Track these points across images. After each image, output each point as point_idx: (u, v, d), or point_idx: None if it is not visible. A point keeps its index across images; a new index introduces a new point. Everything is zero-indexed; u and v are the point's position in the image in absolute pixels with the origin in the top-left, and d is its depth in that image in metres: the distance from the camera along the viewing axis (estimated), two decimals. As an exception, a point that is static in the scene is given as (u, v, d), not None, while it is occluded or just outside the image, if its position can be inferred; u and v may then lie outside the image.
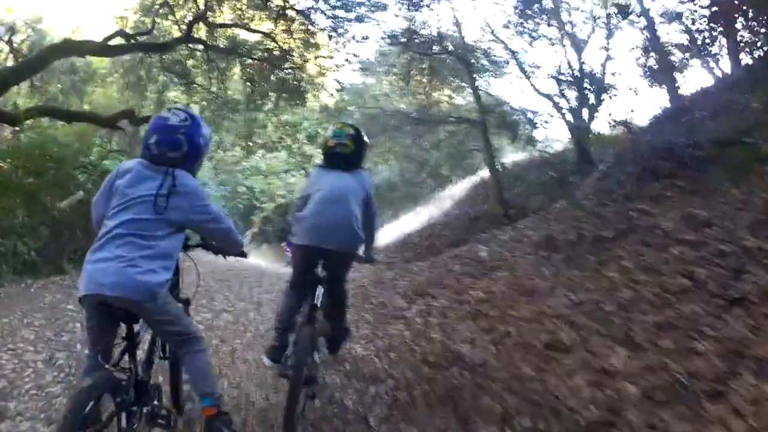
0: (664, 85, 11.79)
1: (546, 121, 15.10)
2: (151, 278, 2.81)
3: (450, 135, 17.95)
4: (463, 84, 16.79)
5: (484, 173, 18.69)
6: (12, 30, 16.26)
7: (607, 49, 14.66)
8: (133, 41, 14.83)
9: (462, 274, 7.86)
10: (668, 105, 11.37)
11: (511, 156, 18.47)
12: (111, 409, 2.84)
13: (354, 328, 6.17)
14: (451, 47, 15.15)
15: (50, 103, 15.47)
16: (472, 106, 17.10)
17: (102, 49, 13.94)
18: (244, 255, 3.64)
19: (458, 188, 19.60)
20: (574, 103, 14.19)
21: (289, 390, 3.58)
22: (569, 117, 14.27)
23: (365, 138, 4.76)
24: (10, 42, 15.91)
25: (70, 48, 13.53)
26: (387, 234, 18.03)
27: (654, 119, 11.26)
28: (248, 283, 10.97)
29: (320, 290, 4.38)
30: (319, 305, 4.30)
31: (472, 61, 15.46)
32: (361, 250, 4.70)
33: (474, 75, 15.16)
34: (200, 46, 15.78)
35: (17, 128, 13.21)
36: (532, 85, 14.69)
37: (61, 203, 13.94)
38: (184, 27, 14.81)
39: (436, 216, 17.73)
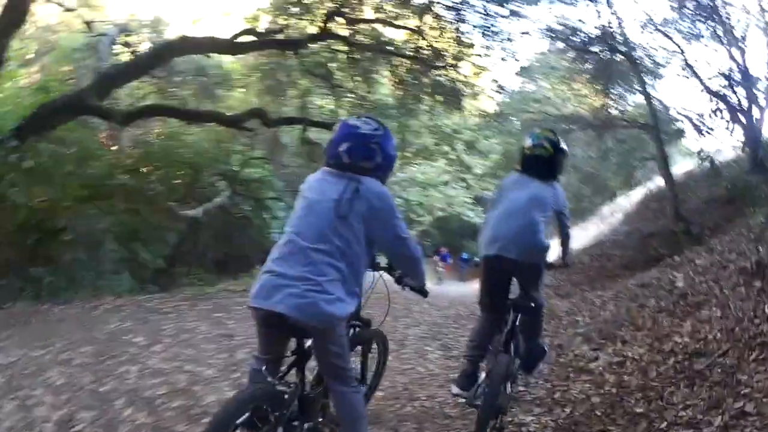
0: None
1: (710, 129, 13.28)
2: (336, 309, 2.74)
3: (618, 143, 16.34)
4: (629, 86, 15.21)
5: (652, 185, 17.08)
6: (126, 31, 15.79)
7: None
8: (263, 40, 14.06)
9: (657, 310, 6.54)
10: None
11: (675, 167, 16.54)
12: (271, 422, 2.70)
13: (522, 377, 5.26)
14: (614, 45, 13.66)
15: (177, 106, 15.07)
16: (638, 111, 15.58)
17: (230, 46, 13.10)
18: (425, 294, 3.40)
19: (625, 202, 17.75)
20: (745, 104, 12.29)
21: (478, 420, 3.57)
22: (742, 119, 12.43)
23: (564, 145, 4.62)
24: (126, 44, 15.48)
25: (188, 45, 12.83)
26: (551, 254, 15.73)
27: None
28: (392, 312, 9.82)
29: (517, 314, 4.24)
30: (516, 331, 4.23)
31: (638, 60, 13.94)
32: (550, 258, 4.60)
33: (642, 75, 13.57)
34: (342, 46, 14.69)
35: (126, 127, 12.86)
36: (702, 83, 12.87)
37: (191, 211, 14.01)
38: (320, 24, 13.66)
39: (604, 233, 16.12)
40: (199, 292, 10.51)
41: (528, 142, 4.57)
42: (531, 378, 5.02)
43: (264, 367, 2.87)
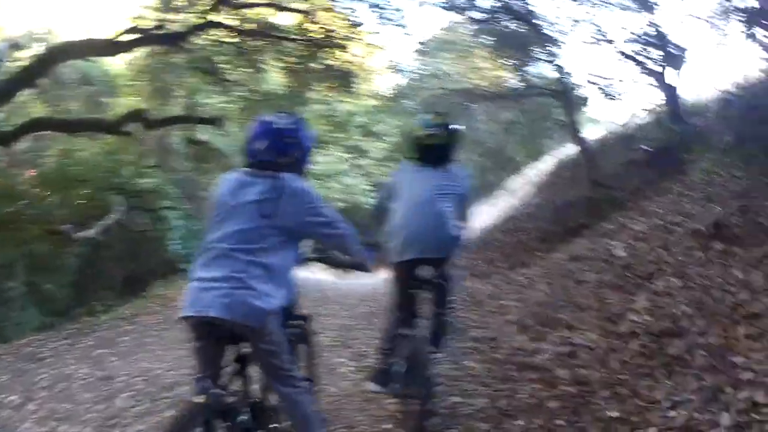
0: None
1: (619, 94, 12.73)
2: (265, 303, 2.65)
3: (523, 113, 15.59)
4: (534, 55, 14.55)
5: (561, 155, 16.50)
6: (16, 46, 14.94)
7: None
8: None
9: (601, 285, 5.58)
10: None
11: (585, 134, 16.01)
12: None
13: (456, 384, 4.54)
14: (517, 13, 12.87)
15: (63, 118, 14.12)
16: (544, 80, 14.91)
17: (109, 46, 11.91)
18: (366, 269, 3.43)
19: (534, 174, 16.92)
20: (659, 68, 11.69)
21: (420, 407, 3.46)
22: (656, 82, 11.88)
23: (458, 126, 4.41)
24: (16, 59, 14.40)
25: (73, 48, 11.79)
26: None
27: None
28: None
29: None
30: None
31: (541, 28, 13.23)
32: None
33: (547, 44, 12.78)
34: (228, 37, 13.70)
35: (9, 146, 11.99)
36: (616, 48, 12.22)
37: (85, 232, 12.61)
38: (204, 14, 12.68)
39: (515, 207, 15.23)
40: (96, 322, 9.36)
41: (419, 130, 4.25)
42: (439, 353, 4.27)
43: (207, 380, 2.70)
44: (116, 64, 17.06)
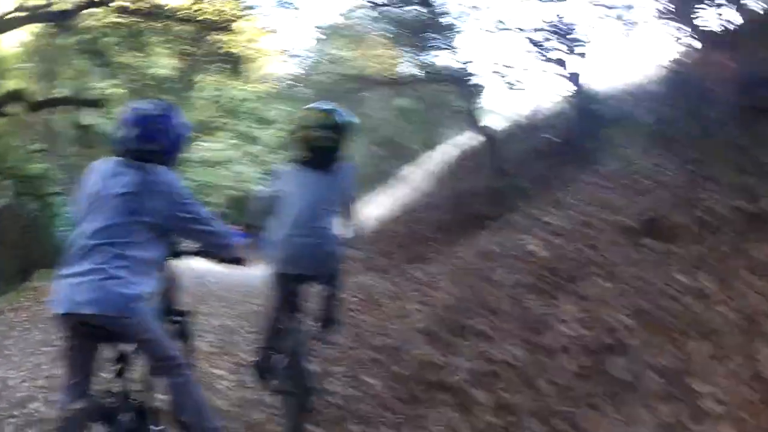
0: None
1: (519, 82, 12.41)
2: (126, 290, 2.56)
3: (421, 101, 15.03)
4: (431, 42, 14.09)
5: (458, 144, 16.06)
6: None
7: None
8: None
9: (518, 286, 4.89)
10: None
11: (487, 123, 15.64)
12: None
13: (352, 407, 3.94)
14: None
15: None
16: (439, 68, 14.44)
17: None
18: (239, 261, 3.11)
19: (431, 162, 16.39)
20: (564, 56, 11.35)
21: (296, 404, 3.43)
22: (557, 71, 11.57)
23: (348, 119, 3.89)
24: None
25: None
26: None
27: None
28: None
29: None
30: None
31: (440, 14, 12.74)
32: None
33: (446, 31, 12.25)
34: (116, 18, 13.08)
35: None
36: (525, 36, 11.81)
37: None
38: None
39: (411, 197, 14.57)
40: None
41: (306, 129, 3.83)
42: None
43: (81, 383, 2.67)
44: (3, 46, 15.85)
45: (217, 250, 3.02)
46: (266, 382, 3.90)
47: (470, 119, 12.01)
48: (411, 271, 7.68)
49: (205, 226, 2.85)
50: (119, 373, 2.82)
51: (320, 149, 3.75)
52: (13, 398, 4.64)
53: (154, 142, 2.80)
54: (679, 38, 7.93)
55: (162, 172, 2.77)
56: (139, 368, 2.87)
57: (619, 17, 9.97)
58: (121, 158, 2.80)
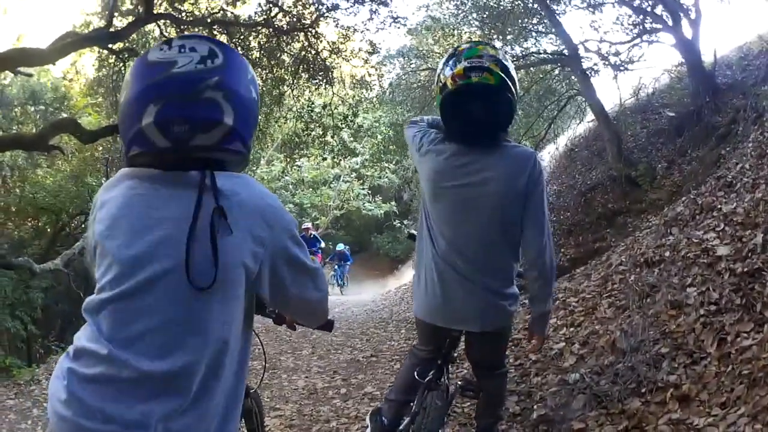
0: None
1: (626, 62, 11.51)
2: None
3: (522, 90, 14.06)
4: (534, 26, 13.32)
5: (571, 132, 15.11)
6: None
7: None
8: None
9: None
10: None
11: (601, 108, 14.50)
12: None
13: None
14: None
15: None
16: (541, 53, 13.55)
17: (46, 54, 10.08)
18: (330, 327, 2.07)
19: (548, 157, 15.05)
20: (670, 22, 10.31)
21: None
22: (668, 41, 10.60)
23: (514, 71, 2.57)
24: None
25: (7, 60, 9.84)
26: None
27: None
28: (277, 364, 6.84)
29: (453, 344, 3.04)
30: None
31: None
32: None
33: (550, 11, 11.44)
34: (171, 29, 12.03)
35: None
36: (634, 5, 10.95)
37: (51, 263, 12.22)
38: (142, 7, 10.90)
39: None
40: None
41: (451, 67, 2.55)
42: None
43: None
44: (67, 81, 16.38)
45: (311, 321, 2.10)
46: None
47: (593, 101, 10.98)
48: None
49: (319, 291, 1.88)
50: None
51: (470, 92, 2.60)
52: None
53: (211, 125, 1.76)
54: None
55: (242, 182, 1.86)
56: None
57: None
58: (146, 171, 1.96)
